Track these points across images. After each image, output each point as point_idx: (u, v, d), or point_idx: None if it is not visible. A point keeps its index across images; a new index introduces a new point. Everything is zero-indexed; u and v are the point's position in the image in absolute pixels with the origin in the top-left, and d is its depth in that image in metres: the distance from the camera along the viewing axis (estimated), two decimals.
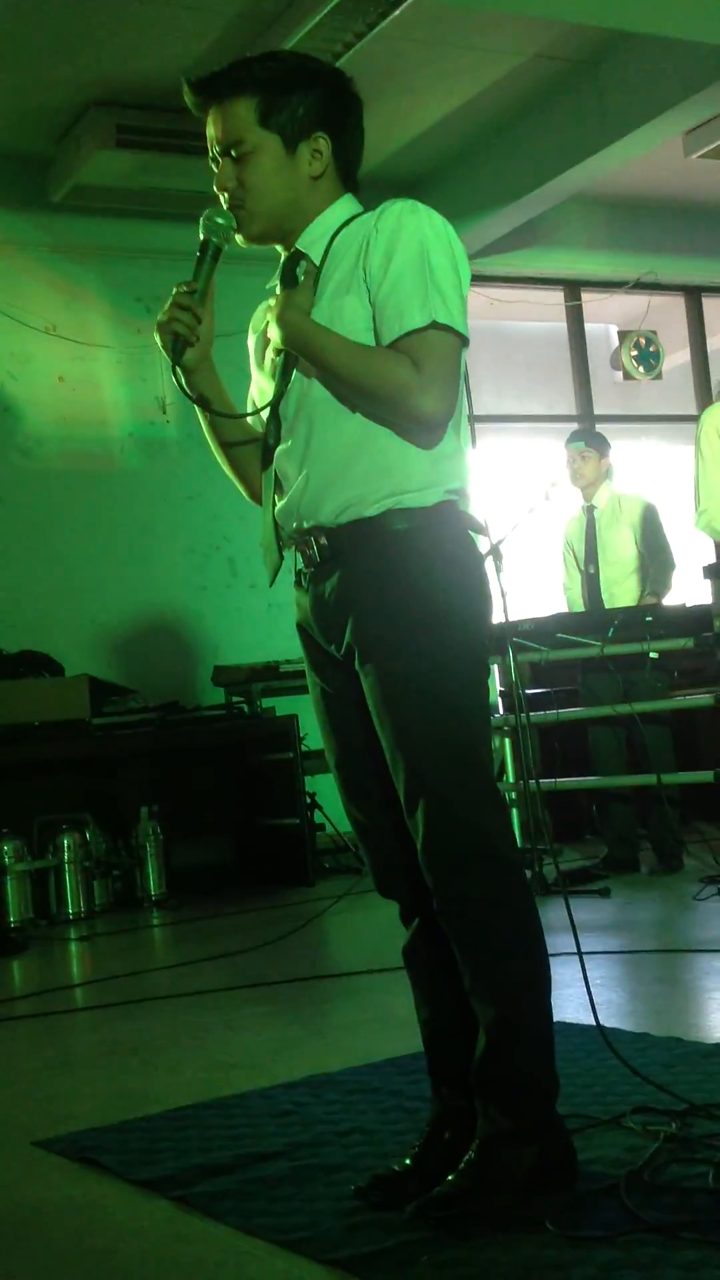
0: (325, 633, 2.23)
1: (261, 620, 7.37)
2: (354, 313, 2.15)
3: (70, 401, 7.18)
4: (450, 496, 2.18)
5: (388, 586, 2.14)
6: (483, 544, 2.26)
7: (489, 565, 2.26)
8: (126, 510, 7.23)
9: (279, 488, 2.27)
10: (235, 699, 7.03)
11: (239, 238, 2.24)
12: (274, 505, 2.26)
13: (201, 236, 2.22)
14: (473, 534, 2.22)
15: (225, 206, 2.22)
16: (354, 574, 2.16)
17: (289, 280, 2.25)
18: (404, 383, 2.09)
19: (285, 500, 2.24)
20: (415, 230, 2.12)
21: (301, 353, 2.17)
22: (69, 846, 6.06)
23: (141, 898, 6.27)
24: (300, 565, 2.27)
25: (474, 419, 2.30)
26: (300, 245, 2.23)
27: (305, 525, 2.21)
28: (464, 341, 2.15)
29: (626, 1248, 1.90)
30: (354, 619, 2.16)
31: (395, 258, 2.11)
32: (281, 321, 2.17)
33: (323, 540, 2.19)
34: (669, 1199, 2.07)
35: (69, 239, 7.20)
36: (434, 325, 2.10)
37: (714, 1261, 1.82)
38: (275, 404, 2.24)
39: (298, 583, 2.29)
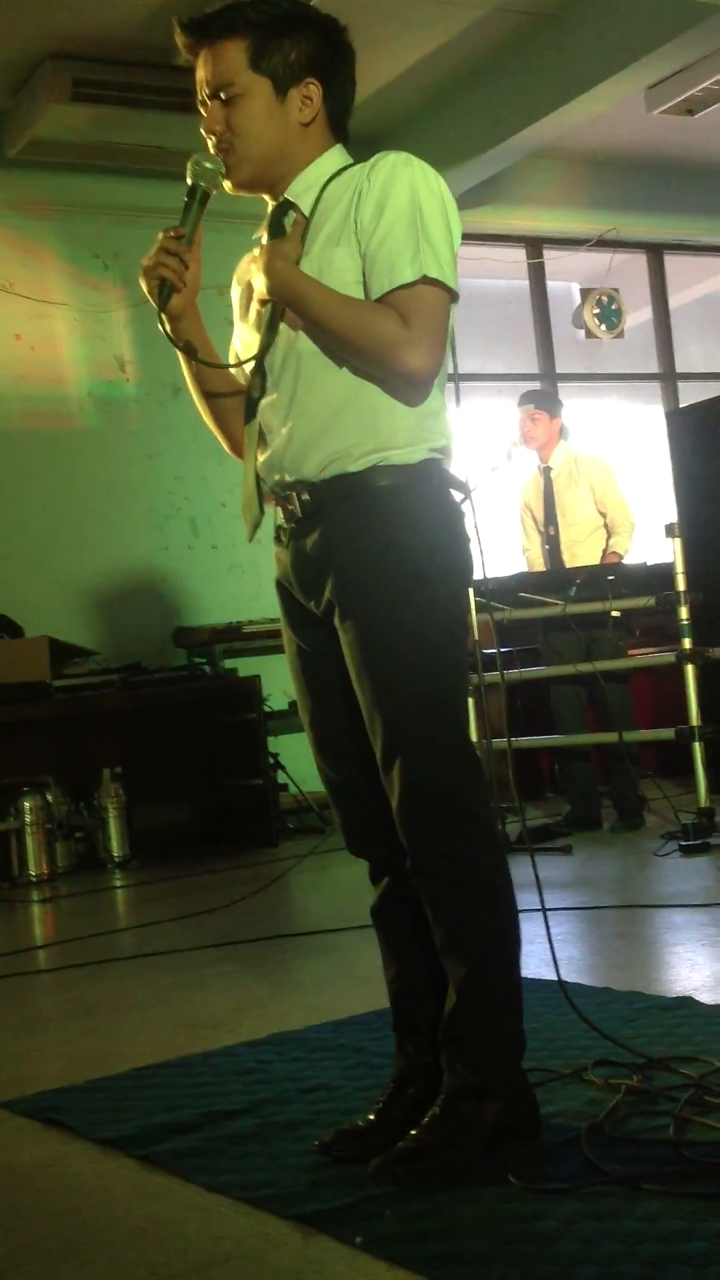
0: (305, 589, 2.22)
1: (224, 581, 7.35)
2: (343, 264, 2.12)
3: (28, 360, 7.09)
4: (434, 454, 2.18)
5: (369, 543, 2.13)
6: (465, 503, 2.25)
7: (470, 524, 2.25)
8: (86, 470, 7.16)
9: (262, 441, 2.24)
10: (198, 660, 7.02)
11: (226, 184, 2.20)
12: (256, 459, 2.24)
13: (189, 181, 2.18)
14: (455, 493, 2.22)
15: (213, 151, 2.18)
16: (336, 530, 2.15)
17: (276, 230, 2.22)
18: (392, 337, 2.08)
19: (268, 454, 2.22)
20: (408, 183, 2.10)
21: (288, 303, 2.15)
22: (30, 809, 6.04)
23: (104, 859, 6.27)
24: (281, 520, 2.25)
25: (454, 378, 2.28)
26: (289, 195, 2.20)
27: (288, 479, 2.20)
28: (454, 297, 2.14)
29: (588, 1199, 1.92)
30: (334, 575, 2.15)
31: (387, 210, 2.09)
32: (268, 271, 2.14)
33: (305, 495, 2.18)
34: (630, 1151, 2.10)
35: (25, 194, 7.09)
36: (424, 280, 2.08)
37: (674, 1212, 1.84)
38: (261, 356, 2.21)
39: (278, 538, 2.27)
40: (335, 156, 2.22)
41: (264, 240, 2.22)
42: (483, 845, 2.16)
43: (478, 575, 2.24)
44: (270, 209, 2.24)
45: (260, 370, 2.22)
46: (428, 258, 2.08)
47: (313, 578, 2.19)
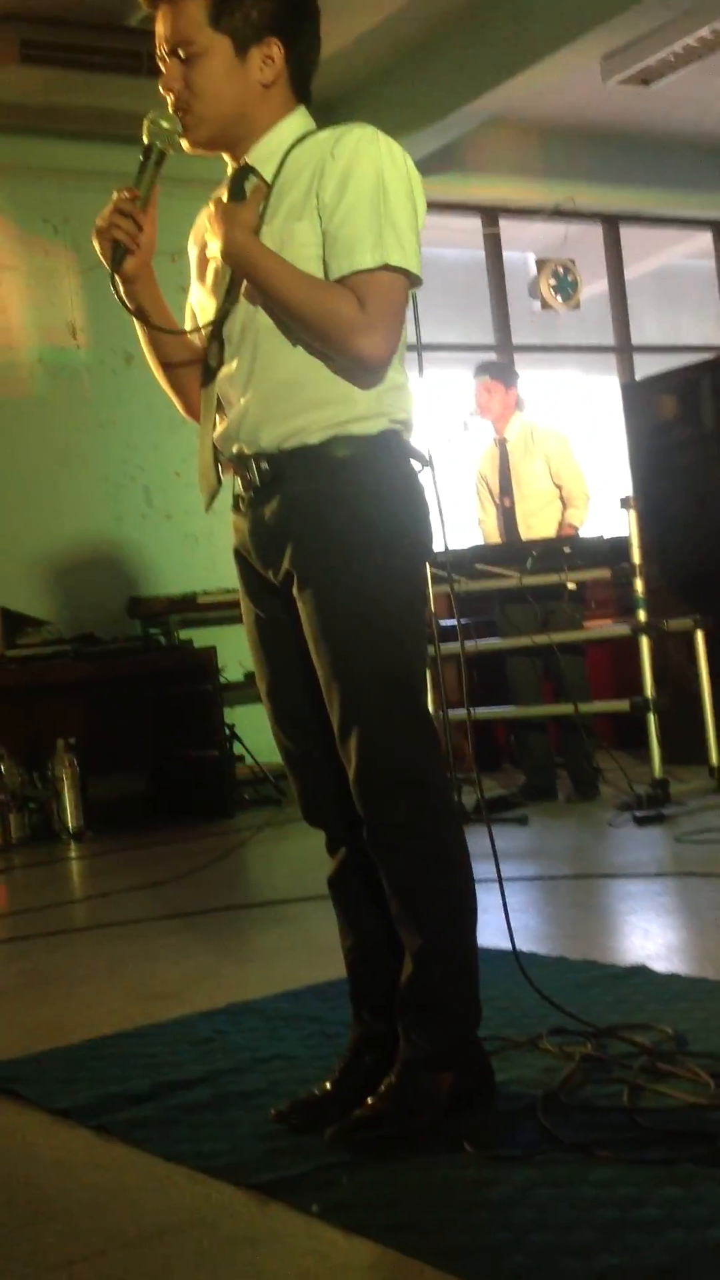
0: (263, 558, 2.20)
1: (178, 551, 7.30)
2: (305, 239, 2.09)
3: None
4: (395, 426, 2.16)
5: (328, 513, 2.11)
6: (425, 475, 2.23)
7: (430, 496, 2.24)
8: (38, 437, 7.08)
9: (219, 410, 2.22)
10: (152, 631, 6.98)
11: (184, 144, 2.16)
12: (213, 429, 2.22)
13: (145, 140, 2.14)
14: (415, 464, 2.20)
15: (171, 109, 2.14)
16: (294, 499, 2.13)
17: (237, 194, 2.18)
18: (348, 321, 2.05)
19: (225, 425, 2.20)
20: (373, 161, 2.07)
21: (244, 274, 2.11)
22: None
23: (59, 830, 6.24)
24: (239, 489, 2.23)
25: (417, 349, 2.26)
26: (251, 160, 2.16)
27: (246, 451, 2.17)
28: (416, 282, 2.12)
29: (543, 1166, 1.93)
30: (293, 545, 2.13)
31: (350, 189, 2.06)
32: (226, 239, 2.10)
33: (263, 465, 2.15)
34: (584, 1118, 2.11)
35: None
36: (385, 267, 2.06)
37: (628, 1179, 1.85)
38: (219, 323, 2.18)
39: (236, 507, 2.25)
40: (299, 120, 2.18)
41: (224, 199, 2.18)
42: (439, 816, 2.15)
43: (438, 547, 2.23)
44: (230, 171, 2.20)
45: (218, 338, 2.19)
46: (390, 243, 2.06)
47: (271, 547, 2.17)
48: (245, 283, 2.14)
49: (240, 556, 2.27)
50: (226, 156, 2.21)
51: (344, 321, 2.05)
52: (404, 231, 2.07)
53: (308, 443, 2.12)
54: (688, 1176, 1.84)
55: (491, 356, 8.38)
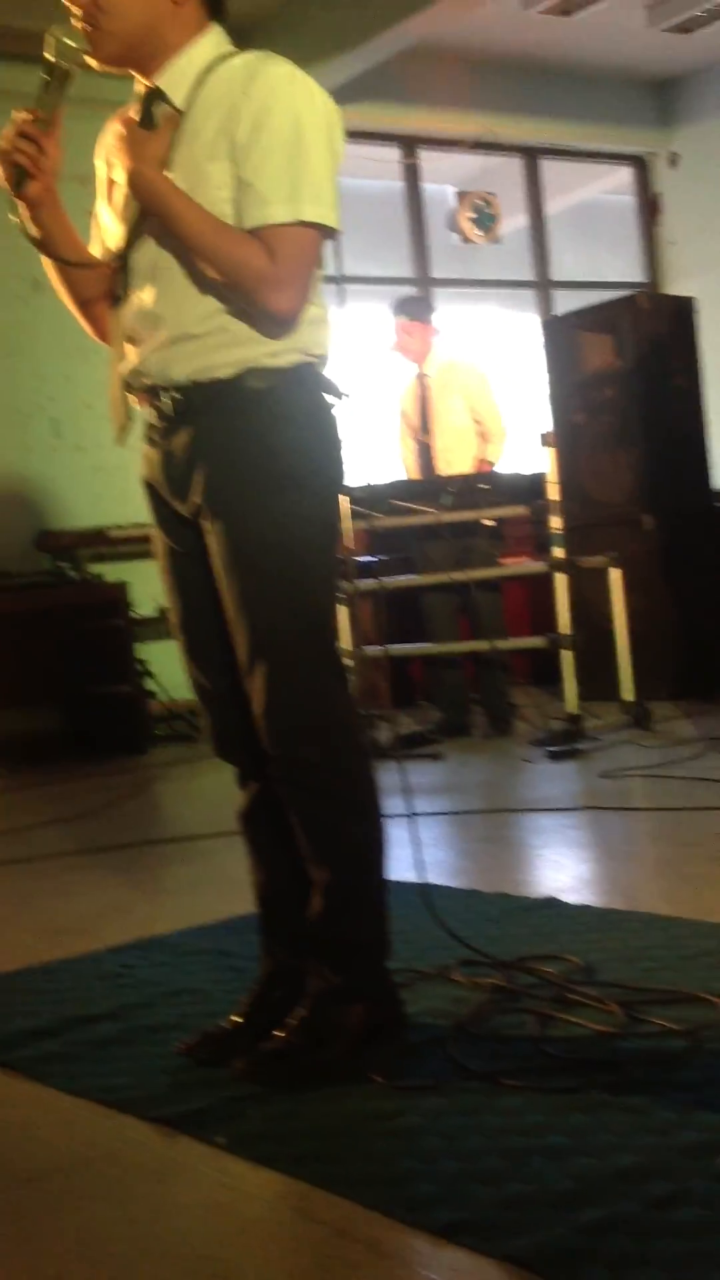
0: (173, 489, 2.15)
1: (89, 484, 7.17)
2: (220, 181, 2.01)
3: None
4: (309, 359, 2.11)
5: (240, 444, 2.07)
6: (341, 409, 2.19)
7: (344, 430, 2.19)
8: None
9: (129, 341, 2.16)
10: (62, 565, 6.86)
11: (91, 62, 2.07)
12: (122, 360, 2.16)
13: (48, 58, 2.03)
14: (330, 398, 2.15)
15: (76, 25, 2.04)
16: (206, 431, 2.08)
17: (146, 121, 2.10)
18: (257, 274, 1.99)
19: (136, 359, 2.14)
20: (289, 106, 1.99)
21: (152, 212, 2.04)
22: None
23: None
24: (152, 419, 2.17)
25: (337, 280, 2.20)
26: (162, 83, 2.08)
27: (157, 384, 2.12)
28: (331, 234, 2.06)
29: (451, 1096, 1.93)
30: (203, 477, 2.09)
31: (264, 133, 1.98)
32: (134, 174, 2.03)
33: (175, 395, 2.10)
34: (493, 1048, 2.11)
35: None
36: (299, 223, 2.00)
37: (535, 1107, 1.86)
38: (125, 254, 2.11)
39: (148, 437, 2.19)
40: (212, 41, 2.10)
41: (133, 117, 2.10)
42: (346, 753, 2.13)
43: (351, 481, 2.19)
44: (141, 91, 2.12)
45: (125, 268, 2.13)
46: (305, 196, 1.99)
47: (181, 479, 2.13)
48: (151, 221, 2.07)
49: (151, 488, 2.22)
50: (136, 75, 2.12)
51: (253, 274, 2.00)
52: (321, 182, 2.01)
53: (219, 377, 2.07)
54: (594, 1104, 1.85)
55: (410, 290, 8.30)
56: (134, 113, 2.12)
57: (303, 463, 2.09)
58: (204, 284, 2.05)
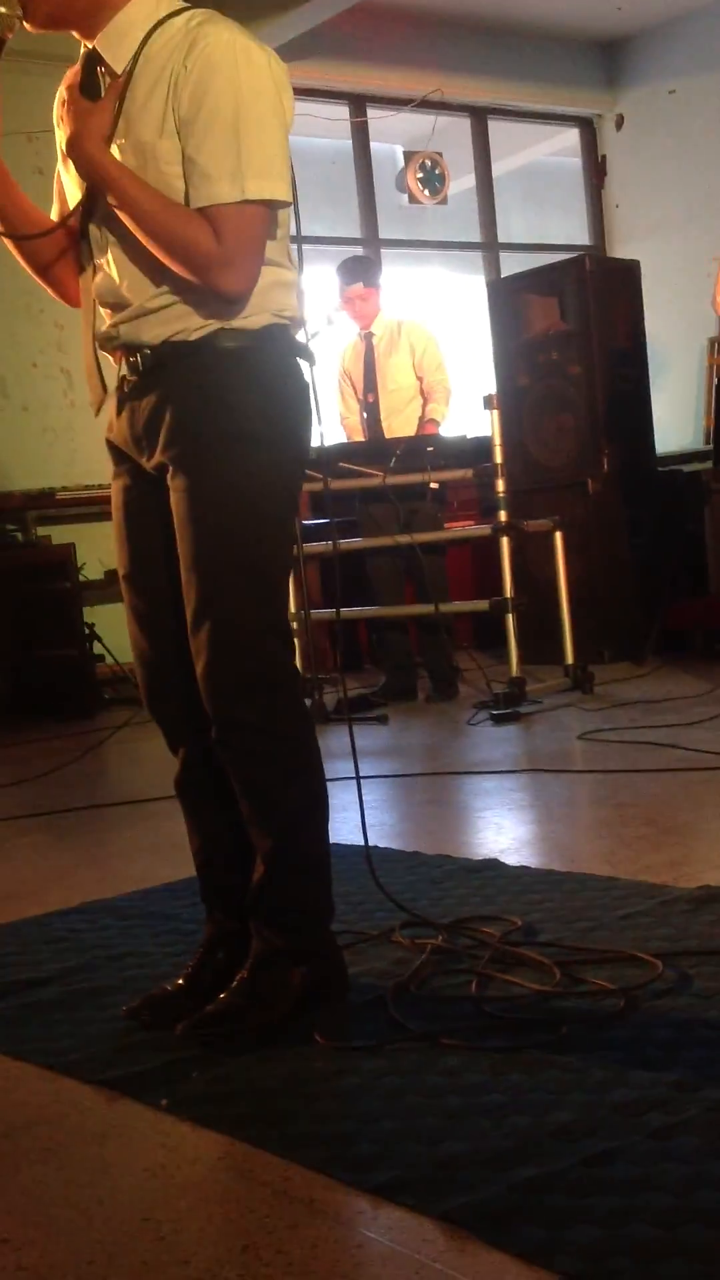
0: (137, 444, 2.15)
1: (36, 445, 7.11)
2: (168, 158, 2.00)
3: None
4: (280, 320, 2.11)
5: (206, 402, 2.07)
6: (308, 373, 2.19)
7: (312, 395, 2.20)
8: None
9: (100, 304, 2.16)
10: (9, 527, 6.81)
11: (26, 25, 2.04)
12: (93, 329, 2.15)
13: None
14: (300, 360, 2.16)
15: None
16: (173, 388, 2.09)
17: (89, 87, 2.08)
18: (204, 254, 1.99)
19: (105, 325, 2.15)
20: (230, 75, 1.95)
21: (99, 190, 2.03)
22: None
23: None
24: (124, 371, 2.16)
25: (297, 241, 2.19)
26: (100, 46, 2.05)
27: (128, 344, 2.12)
28: (282, 205, 2.04)
29: (392, 1056, 1.96)
30: (169, 432, 2.09)
31: (205, 107, 1.96)
32: (79, 153, 2.01)
33: (145, 353, 2.10)
34: (433, 1008, 2.14)
35: None
36: (245, 201, 1.98)
37: (474, 1066, 1.89)
38: (84, 225, 2.11)
39: (117, 391, 2.18)
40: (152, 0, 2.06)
41: (75, 88, 2.07)
42: (289, 717, 2.14)
43: (314, 445, 2.20)
44: (82, 53, 2.09)
45: (86, 239, 2.12)
46: (250, 173, 1.97)
47: (148, 434, 2.13)
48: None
49: (113, 445, 2.22)
50: (77, 35, 2.09)
51: (201, 254, 1.99)
52: (267, 153, 1.99)
53: (190, 339, 2.07)
54: (531, 1063, 1.88)
55: (358, 251, 8.26)
56: (76, 75, 2.10)
57: (268, 424, 2.09)
58: None
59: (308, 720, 2.19)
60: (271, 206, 2.03)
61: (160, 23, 2.03)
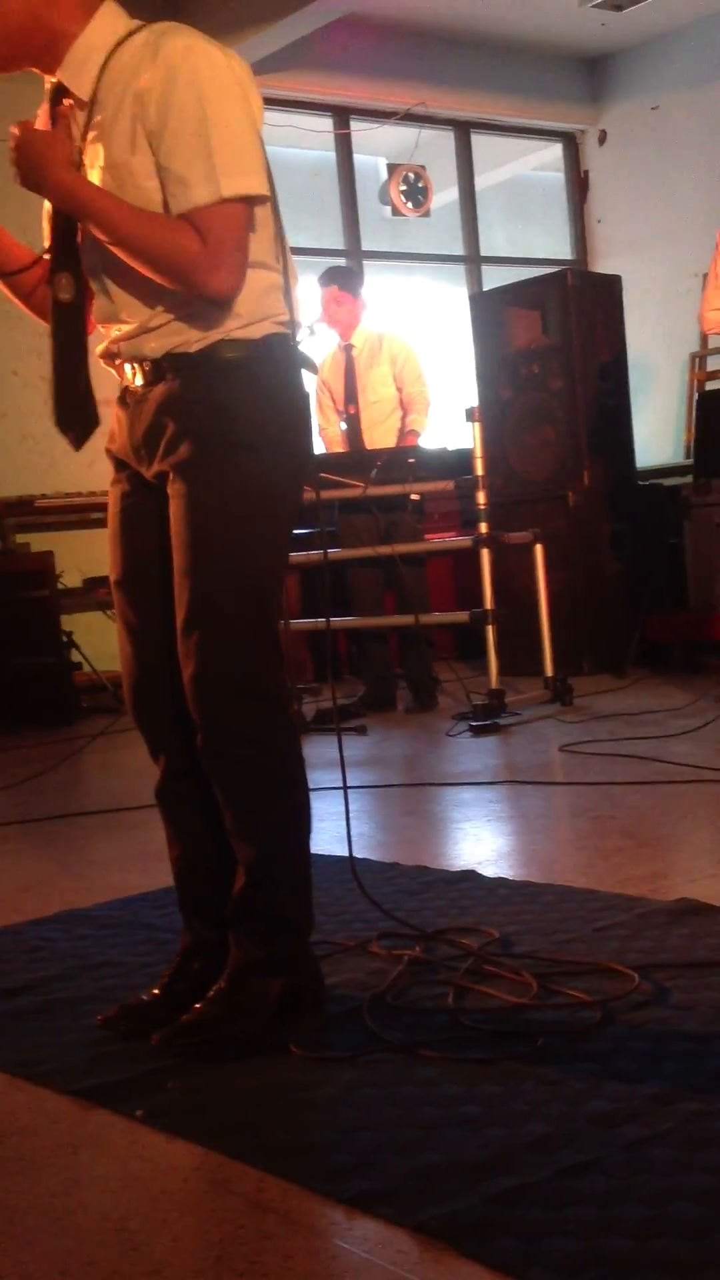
0: (137, 453, 2.16)
1: (15, 453, 7.09)
2: (144, 173, 2.00)
3: None
4: (279, 329, 2.11)
5: (207, 412, 2.07)
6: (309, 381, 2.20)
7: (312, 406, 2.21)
8: None
9: (100, 321, 2.18)
10: None
11: None
12: (83, 358, 2.16)
13: None
14: (303, 370, 2.17)
15: None
16: (175, 398, 2.09)
17: (58, 119, 2.09)
18: (190, 258, 1.98)
19: (106, 343, 2.16)
20: (191, 79, 1.95)
21: (75, 215, 2.03)
22: None
23: None
24: (127, 381, 2.17)
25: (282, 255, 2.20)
26: (64, 79, 2.05)
27: (130, 359, 2.13)
28: (261, 200, 2.04)
29: (368, 1067, 1.95)
30: (168, 441, 2.09)
31: (172, 115, 1.96)
32: (45, 183, 2.00)
33: (146, 366, 2.11)
34: (410, 1020, 2.14)
35: None
36: (221, 201, 1.98)
37: (450, 1077, 1.89)
38: (69, 253, 2.11)
39: (119, 400, 2.20)
40: (109, 19, 2.05)
41: (35, 123, 2.08)
42: (276, 728, 2.14)
43: (314, 456, 2.21)
44: (47, 90, 2.10)
45: (71, 266, 2.13)
46: (224, 171, 1.97)
47: (149, 442, 2.13)
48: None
49: (113, 455, 2.23)
50: (38, 71, 2.09)
51: (187, 259, 1.98)
52: (238, 150, 1.98)
53: (191, 351, 2.08)
54: (508, 1074, 1.88)
55: (340, 262, 8.27)
56: (44, 112, 2.11)
57: (267, 434, 2.09)
58: None
59: (294, 730, 2.19)
60: (249, 202, 2.03)
61: (121, 42, 2.03)
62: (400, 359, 6.05)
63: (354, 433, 6.12)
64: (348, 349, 6.09)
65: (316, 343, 6.06)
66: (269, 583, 2.13)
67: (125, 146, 2.00)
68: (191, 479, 2.07)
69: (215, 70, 1.98)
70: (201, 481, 2.07)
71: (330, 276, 6.11)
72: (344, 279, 6.12)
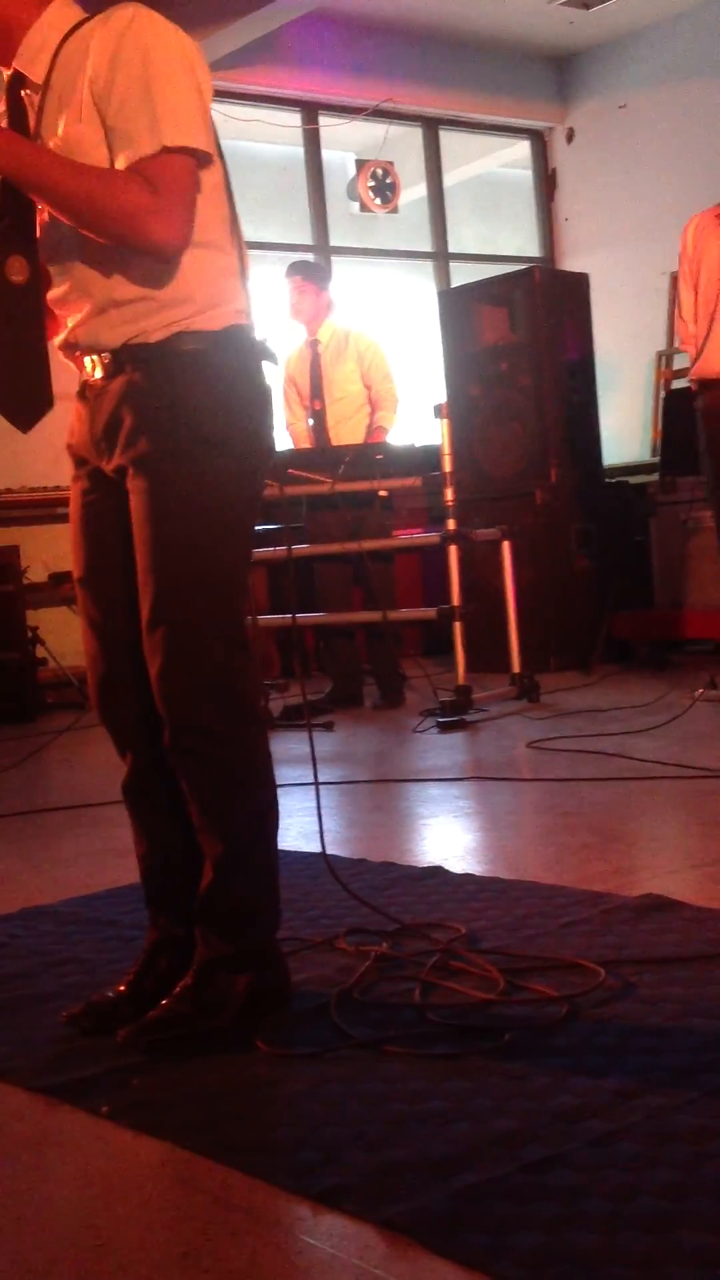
0: (97, 447, 2.15)
1: None
2: (91, 140, 2.00)
3: None
4: (239, 321, 2.11)
5: (165, 405, 2.06)
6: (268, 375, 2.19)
7: (273, 399, 2.20)
8: None
9: (58, 309, 2.16)
10: None
11: None
12: (42, 342, 2.15)
13: None
14: (263, 363, 2.16)
15: None
16: (133, 391, 2.08)
17: (14, 112, 2.09)
18: (136, 206, 1.96)
19: (65, 334, 2.14)
20: (136, 42, 1.97)
21: (23, 182, 2.00)
22: None
23: None
24: (86, 376, 2.16)
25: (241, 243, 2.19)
26: (20, 67, 2.06)
27: (89, 350, 2.12)
28: (204, 159, 2.03)
29: (334, 1063, 1.95)
30: (127, 434, 2.08)
31: (118, 76, 1.96)
32: None
33: (105, 358, 2.10)
34: (377, 1015, 2.14)
35: None
36: (165, 150, 1.97)
37: (417, 1073, 1.89)
38: (25, 238, 2.10)
39: (79, 394, 2.18)
40: (60, 9, 2.07)
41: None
42: (243, 721, 2.13)
43: (275, 449, 2.20)
44: (4, 82, 2.10)
45: (27, 252, 2.12)
46: (167, 125, 1.97)
47: (108, 436, 2.12)
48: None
49: (73, 450, 2.22)
50: None
51: (133, 207, 1.96)
52: (179, 107, 1.98)
53: (150, 341, 2.07)
54: (474, 1070, 1.88)
55: (309, 257, 8.27)
56: (2, 103, 2.10)
57: (227, 428, 2.09)
58: (121, 254, 2.04)
59: (262, 727, 2.19)
60: (195, 157, 2.01)
61: (75, 28, 2.05)
62: (368, 357, 6.05)
63: (320, 429, 6.11)
64: (314, 344, 6.09)
65: (283, 337, 6.05)
66: (233, 577, 2.13)
67: (74, 118, 2.01)
68: (151, 474, 2.07)
69: (162, 37, 1.99)
70: (163, 476, 2.06)
71: (294, 268, 6.11)
72: (307, 270, 6.12)
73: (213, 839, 2.12)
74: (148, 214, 1.96)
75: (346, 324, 6.15)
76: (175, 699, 2.08)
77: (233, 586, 2.12)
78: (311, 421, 6.13)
